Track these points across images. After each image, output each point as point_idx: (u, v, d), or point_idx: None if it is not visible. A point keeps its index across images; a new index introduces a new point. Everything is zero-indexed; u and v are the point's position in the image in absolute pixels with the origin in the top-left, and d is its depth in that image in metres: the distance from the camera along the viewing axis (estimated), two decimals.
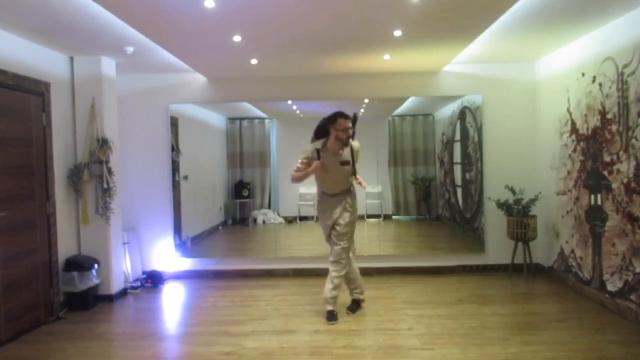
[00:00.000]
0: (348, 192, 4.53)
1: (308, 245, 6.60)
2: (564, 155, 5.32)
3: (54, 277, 4.77)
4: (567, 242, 5.31)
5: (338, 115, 4.33)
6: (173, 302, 5.36)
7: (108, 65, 5.31)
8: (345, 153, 4.42)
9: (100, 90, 5.18)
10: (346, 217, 4.46)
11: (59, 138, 4.89)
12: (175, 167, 6.23)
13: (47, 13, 3.75)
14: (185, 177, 6.44)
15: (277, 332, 4.20)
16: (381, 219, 7.01)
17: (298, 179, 4.43)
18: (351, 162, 4.43)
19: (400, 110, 6.80)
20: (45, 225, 4.67)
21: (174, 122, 6.23)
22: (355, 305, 4.69)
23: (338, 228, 4.45)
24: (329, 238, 4.56)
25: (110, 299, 5.24)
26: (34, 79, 4.53)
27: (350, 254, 4.59)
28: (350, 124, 4.32)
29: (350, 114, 4.38)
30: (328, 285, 4.45)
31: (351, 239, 4.53)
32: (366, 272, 6.02)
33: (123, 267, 5.62)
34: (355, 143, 4.46)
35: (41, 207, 4.61)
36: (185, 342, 4.11)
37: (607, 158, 4.50)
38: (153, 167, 6.14)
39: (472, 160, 6.25)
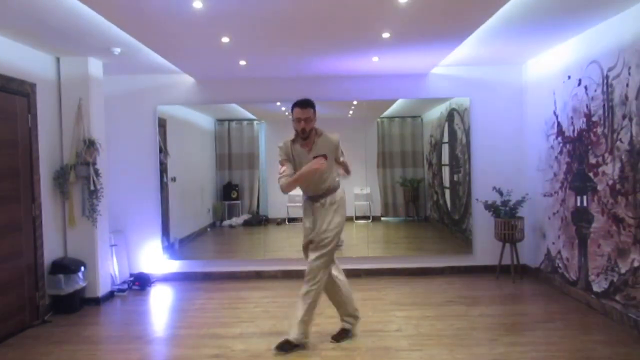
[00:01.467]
0: (333, 191, 3.84)
1: (296, 246, 6.52)
2: (550, 157, 5.37)
3: (40, 280, 4.71)
4: (553, 243, 5.35)
5: (294, 105, 3.72)
6: (161, 304, 5.32)
7: (95, 66, 5.26)
8: (319, 147, 3.74)
9: (87, 91, 5.13)
10: (330, 220, 3.78)
11: (45, 139, 4.84)
12: (163, 169, 6.19)
13: (33, 14, 3.70)
14: (174, 179, 6.41)
15: (266, 334, 4.19)
16: (370, 220, 7.03)
17: (289, 185, 3.73)
18: (327, 157, 3.70)
19: (388, 112, 6.82)
20: (31, 228, 4.61)
21: (162, 124, 6.19)
22: (344, 335, 3.99)
23: (319, 234, 3.77)
24: (306, 247, 3.88)
25: (97, 301, 5.19)
26: (19, 80, 4.47)
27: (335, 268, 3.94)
28: (306, 114, 3.65)
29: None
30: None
31: (332, 249, 3.78)
32: (355, 274, 6.03)
33: (110, 270, 5.56)
34: (333, 136, 3.80)
35: (26, 209, 4.55)
36: (173, 345, 4.08)
37: (592, 160, 4.55)
38: (141, 168, 6.09)
39: (460, 162, 6.28)
